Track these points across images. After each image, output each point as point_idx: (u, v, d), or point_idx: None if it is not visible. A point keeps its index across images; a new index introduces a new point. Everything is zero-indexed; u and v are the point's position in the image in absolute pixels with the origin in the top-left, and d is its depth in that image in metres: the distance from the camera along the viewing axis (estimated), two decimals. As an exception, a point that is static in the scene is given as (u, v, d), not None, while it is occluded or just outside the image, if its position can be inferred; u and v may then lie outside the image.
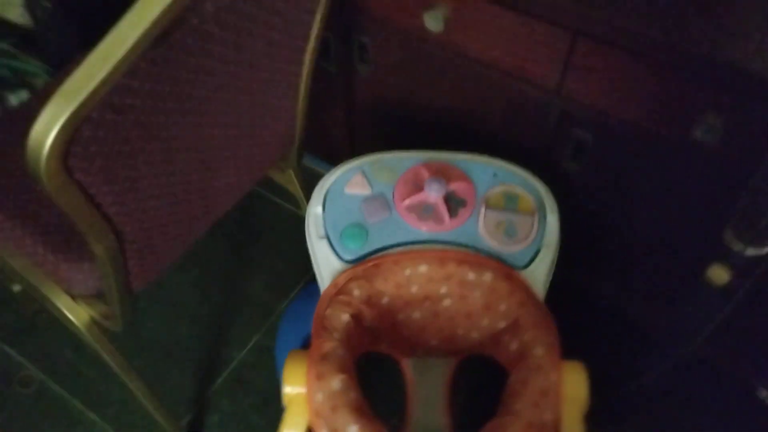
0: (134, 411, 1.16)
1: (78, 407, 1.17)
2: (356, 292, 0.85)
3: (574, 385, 0.78)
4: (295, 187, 1.15)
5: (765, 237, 0.69)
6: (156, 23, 0.47)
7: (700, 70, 0.77)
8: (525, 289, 0.85)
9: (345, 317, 0.83)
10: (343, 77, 1.17)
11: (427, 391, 0.97)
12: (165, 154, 0.61)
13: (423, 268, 0.88)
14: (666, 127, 0.85)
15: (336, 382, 0.76)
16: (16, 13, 1.32)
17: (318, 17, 0.76)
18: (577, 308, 1.21)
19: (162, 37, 0.49)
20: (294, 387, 0.78)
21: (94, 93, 0.45)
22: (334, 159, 0.98)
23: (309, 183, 0.95)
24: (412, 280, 0.88)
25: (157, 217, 0.68)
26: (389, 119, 1.19)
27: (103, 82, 0.46)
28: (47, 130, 0.45)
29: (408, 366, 0.97)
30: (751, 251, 0.71)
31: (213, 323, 1.27)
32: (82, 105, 0.45)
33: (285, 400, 0.79)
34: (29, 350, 1.23)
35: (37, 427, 1.15)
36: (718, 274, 0.74)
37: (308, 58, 0.81)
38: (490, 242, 0.89)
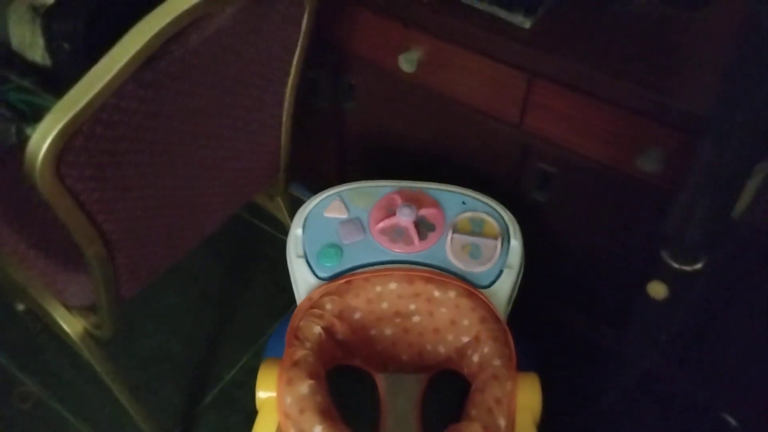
0: (126, 425, 1.21)
1: (72, 421, 1.23)
2: (328, 306, 0.92)
3: (527, 394, 0.83)
4: (283, 215, 1.23)
5: (693, 255, 0.76)
6: (141, 53, 0.56)
7: (642, 109, 0.85)
8: (486, 306, 0.91)
9: (317, 329, 0.90)
10: (332, 114, 1.27)
11: (400, 406, 1.02)
12: (151, 168, 0.70)
13: (392, 286, 0.94)
14: (615, 159, 0.92)
15: (304, 386, 0.82)
16: (39, 55, 1.45)
17: (297, 54, 0.85)
18: (546, 332, 1.26)
19: (147, 63, 0.58)
20: (266, 391, 0.84)
21: (84, 109, 0.54)
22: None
23: (298, 212, 1.03)
24: (382, 297, 0.94)
25: (144, 227, 0.76)
26: (375, 151, 1.28)
27: (92, 101, 0.54)
28: (42, 139, 0.53)
29: (381, 381, 1.03)
30: (685, 268, 0.77)
31: (205, 343, 1.34)
32: (74, 119, 0.54)
33: (258, 404, 0.85)
34: (29, 367, 1.30)
35: (32, 439, 1.21)
36: (657, 290, 0.79)
37: (289, 91, 0.90)
38: (456, 263, 0.96)
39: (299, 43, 0.83)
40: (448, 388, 1.00)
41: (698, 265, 0.77)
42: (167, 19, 0.56)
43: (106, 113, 0.58)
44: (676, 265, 0.77)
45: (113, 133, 0.60)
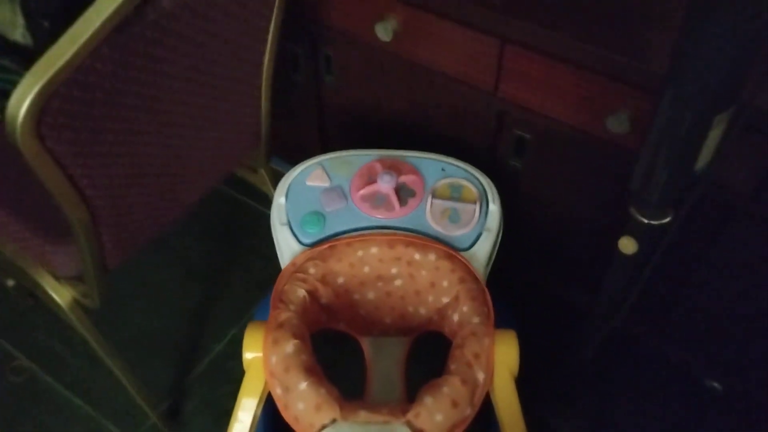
0: (117, 396, 1.24)
1: (65, 394, 1.25)
2: (312, 270, 0.94)
3: (505, 349, 0.86)
4: (268, 188, 1.25)
5: (659, 209, 0.78)
6: (114, 15, 0.57)
7: (610, 71, 0.87)
8: (465, 267, 0.94)
9: (301, 292, 0.92)
10: (311, 87, 1.28)
11: (385, 368, 1.05)
12: (131, 134, 0.71)
13: (374, 250, 0.97)
14: (586, 123, 0.95)
15: (289, 346, 0.85)
16: (19, 34, 1.45)
17: (273, 22, 0.86)
18: (524, 293, 1.30)
19: (122, 27, 0.60)
20: (252, 353, 0.87)
21: (61, 70, 0.56)
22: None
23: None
24: (364, 261, 0.97)
25: (127, 194, 0.77)
26: (355, 123, 1.30)
27: (69, 62, 0.56)
28: (21, 100, 0.55)
29: (366, 345, 1.05)
30: (653, 222, 0.80)
31: (194, 317, 1.36)
32: (51, 80, 0.56)
33: (245, 365, 0.88)
34: (21, 342, 1.32)
35: (27, 412, 1.23)
36: (626, 245, 0.82)
37: (267, 61, 0.92)
38: (436, 227, 0.98)
39: (274, 11, 0.85)
40: (431, 350, 1.03)
41: (666, 220, 0.80)
42: (139, -17, 0.58)
43: (82, 75, 0.59)
44: (644, 220, 0.80)
45: (90, 96, 0.62)
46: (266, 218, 1.51)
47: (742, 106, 0.67)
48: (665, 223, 0.80)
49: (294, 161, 1.52)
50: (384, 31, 1.03)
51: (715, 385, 1.22)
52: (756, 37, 0.60)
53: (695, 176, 0.73)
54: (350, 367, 1.06)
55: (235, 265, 1.44)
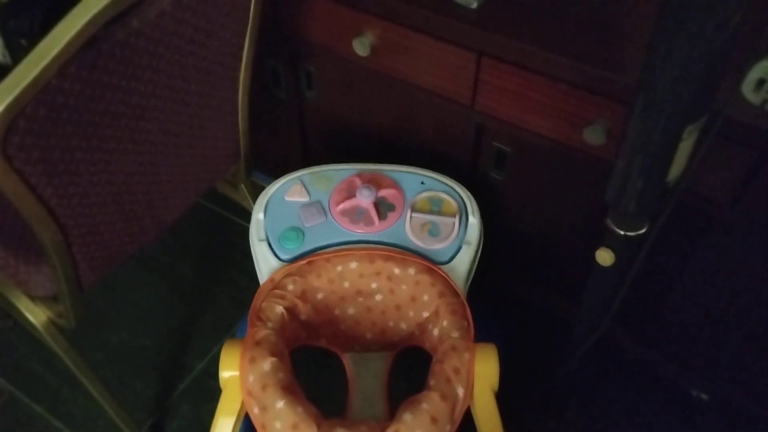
0: (98, 418, 1.22)
1: (44, 416, 1.23)
2: (290, 287, 0.94)
3: (485, 363, 0.86)
4: (249, 204, 1.24)
5: (634, 220, 0.78)
6: (80, 34, 0.57)
7: (585, 84, 0.88)
8: (444, 281, 0.94)
9: (279, 309, 0.91)
10: (293, 103, 1.28)
11: (367, 384, 1.04)
12: (102, 153, 0.70)
13: (353, 265, 0.96)
14: (564, 134, 0.95)
15: (267, 364, 0.84)
16: (-1, 54, 1.44)
17: (247, 40, 0.86)
18: (507, 307, 1.29)
19: (90, 46, 0.59)
20: (229, 371, 0.86)
21: (26, 91, 0.55)
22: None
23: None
24: (343, 276, 0.96)
25: (100, 213, 0.77)
26: (337, 137, 1.29)
27: (34, 82, 0.55)
28: (-16, 121, 0.54)
29: (348, 361, 1.04)
30: (630, 234, 0.80)
31: (177, 335, 1.35)
32: (16, 100, 0.55)
33: (221, 384, 0.86)
34: (0, 364, 1.30)
35: (5, 435, 1.21)
36: (604, 257, 0.82)
37: (243, 78, 0.91)
38: (416, 241, 0.98)
39: (248, 29, 0.85)
40: (413, 365, 1.03)
41: (641, 231, 0.80)
42: (105, 1, 0.58)
43: (49, 95, 0.59)
44: (620, 232, 0.80)
45: (58, 116, 0.61)
46: (248, 233, 1.51)
47: (715, 116, 0.67)
48: (641, 235, 0.80)
49: (277, 176, 1.51)
50: (361, 46, 1.03)
51: (702, 395, 1.22)
52: (722, 49, 0.60)
53: (670, 186, 0.73)
54: (332, 384, 1.05)
55: (219, 282, 1.43)
